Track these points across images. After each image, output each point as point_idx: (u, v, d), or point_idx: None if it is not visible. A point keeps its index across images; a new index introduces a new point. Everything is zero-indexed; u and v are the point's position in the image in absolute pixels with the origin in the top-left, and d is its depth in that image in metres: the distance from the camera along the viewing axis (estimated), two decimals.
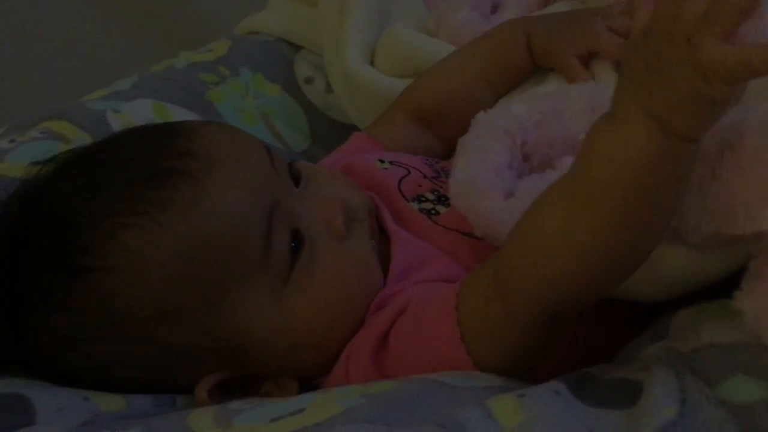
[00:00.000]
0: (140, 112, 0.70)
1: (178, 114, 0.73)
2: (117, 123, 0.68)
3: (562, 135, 0.51)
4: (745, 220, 0.39)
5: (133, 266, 0.45)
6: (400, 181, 0.58)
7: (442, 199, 0.57)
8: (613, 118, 0.37)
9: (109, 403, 0.45)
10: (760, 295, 0.37)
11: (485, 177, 0.47)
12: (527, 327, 0.43)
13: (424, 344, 0.46)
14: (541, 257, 0.40)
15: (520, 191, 0.48)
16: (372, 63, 0.76)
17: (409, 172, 0.59)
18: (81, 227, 0.46)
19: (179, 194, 0.46)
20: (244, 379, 0.49)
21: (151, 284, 0.45)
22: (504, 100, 0.61)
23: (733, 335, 0.39)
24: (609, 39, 0.57)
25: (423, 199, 0.57)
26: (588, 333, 0.50)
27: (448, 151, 0.66)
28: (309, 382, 0.50)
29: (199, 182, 0.46)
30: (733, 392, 0.36)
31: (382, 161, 0.61)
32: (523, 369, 0.45)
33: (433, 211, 0.56)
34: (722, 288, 0.45)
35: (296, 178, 0.53)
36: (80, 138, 0.65)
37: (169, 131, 0.51)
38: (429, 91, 0.66)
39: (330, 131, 0.82)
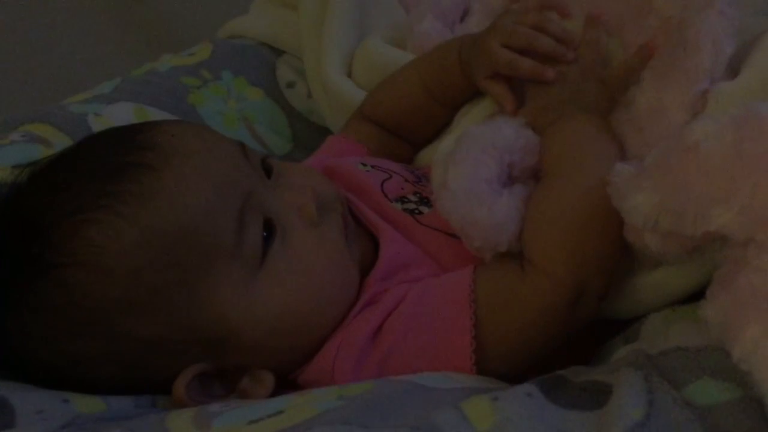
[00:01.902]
0: (121, 116, 0.71)
1: (159, 117, 0.73)
2: (98, 126, 0.68)
3: (538, 165, 0.53)
4: (695, 220, 0.40)
5: (97, 260, 0.45)
6: (382, 183, 0.59)
7: (425, 201, 0.58)
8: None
9: (89, 405, 0.45)
10: (723, 303, 0.38)
11: (479, 188, 0.48)
12: (549, 308, 0.46)
13: (425, 334, 0.47)
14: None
15: (512, 197, 0.49)
16: (350, 73, 0.77)
17: (391, 176, 0.60)
18: (46, 225, 0.46)
19: (139, 186, 0.46)
20: (221, 374, 0.49)
21: (117, 277, 0.45)
22: (472, 113, 0.62)
23: (700, 339, 0.40)
24: (502, 56, 0.57)
25: (406, 200, 0.58)
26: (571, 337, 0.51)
27: (410, 152, 0.69)
28: (286, 375, 0.50)
29: (159, 174, 0.47)
30: (699, 394, 0.37)
31: (364, 164, 0.62)
32: (522, 367, 0.47)
33: (416, 211, 0.57)
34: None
35: (268, 171, 0.54)
36: (61, 141, 0.65)
37: (134, 128, 0.52)
38: (381, 101, 0.69)
39: (311, 135, 0.83)
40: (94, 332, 0.46)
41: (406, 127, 0.67)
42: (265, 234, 0.49)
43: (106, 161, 0.48)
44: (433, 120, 0.64)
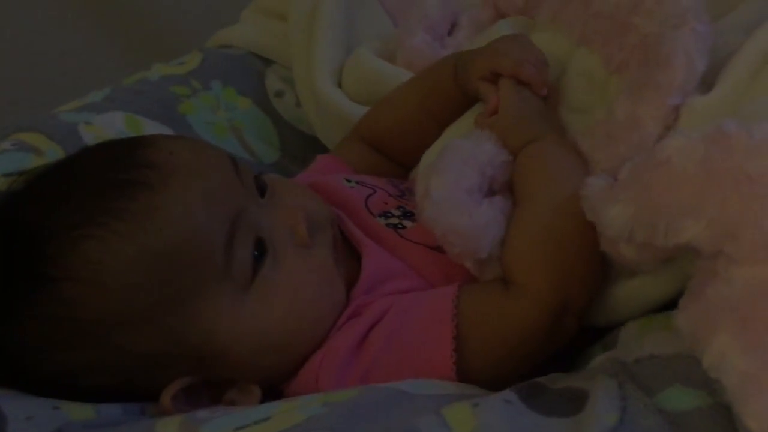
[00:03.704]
0: (112, 125, 0.71)
1: (150, 126, 0.74)
2: (89, 135, 0.69)
3: None
4: (666, 232, 0.41)
5: (94, 276, 0.46)
6: (366, 198, 0.60)
7: (408, 215, 0.58)
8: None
9: (79, 411, 0.46)
10: (693, 312, 0.39)
11: (460, 197, 0.50)
12: (532, 327, 0.47)
13: (408, 346, 0.48)
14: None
15: (492, 206, 0.50)
16: (340, 84, 0.77)
17: (375, 191, 0.61)
18: (44, 238, 0.47)
19: (136, 204, 0.47)
20: (208, 385, 0.50)
21: (112, 293, 0.46)
22: (452, 128, 0.63)
23: (672, 347, 0.41)
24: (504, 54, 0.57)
25: (389, 215, 0.58)
26: None
27: (403, 171, 0.68)
28: (273, 388, 0.51)
29: (157, 192, 0.47)
30: (670, 401, 0.38)
31: (348, 180, 0.62)
32: (503, 380, 0.47)
33: (399, 226, 0.57)
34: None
35: (262, 189, 0.54)
36: (52, 150, 0.66)
37: (131, 144, 0.52)
38: (378, 120, 0.69)
39: (300, 144, 0.83)
40: (87, 345, 0.47)
41: (402, 147, 0.67)
42: (256, 253, 0.50)
43: (104, 177, 0.49)
44: (430, 139, 0.64)
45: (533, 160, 0.53)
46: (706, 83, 0.51)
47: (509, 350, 0.49)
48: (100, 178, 0.49)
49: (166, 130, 0.75)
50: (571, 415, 0.40)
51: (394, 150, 0.68)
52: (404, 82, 0.68)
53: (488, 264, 0.51)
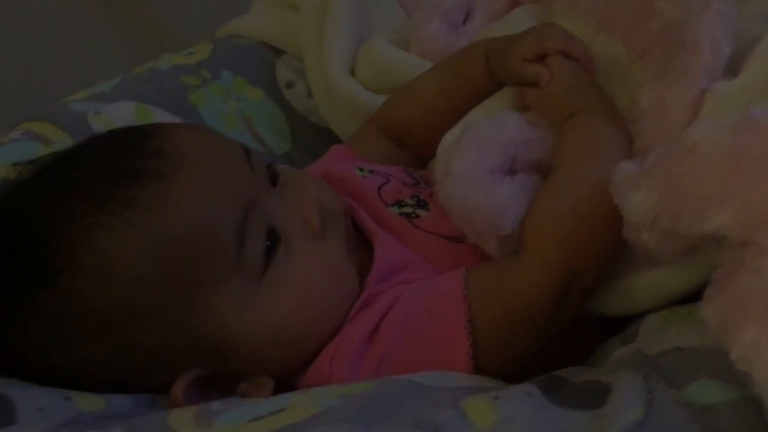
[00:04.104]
0: (122, 114, 0.70)
1: (160, 116, 0.73)
2: (98, 125, 0.68)
3: (540, 158, 0.53)
4: (691, 221, 0.40)
5: (103, 267, 0.45)
6: (379, 188, 0.59)
7: (422, 204, 0.58)
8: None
9: (90, 402, 0.45)
10: (721, 304, 0.38)
11: (481, 175, 0.49)
12: (539, 292, 0.47)
13: (422, 332, 0.48)
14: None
15: (514, 183, 0.50)
16: (353, 72, 0.77)
17: (389, 180, 0.60)
18: (51, 229, 0.46)
19: (147, 193, 0.46)
20: (220, 378, 0.49)
21: (122, 284, 0.45)
22: (476, 111, 0.62)
23: (698, 340, 0.40)
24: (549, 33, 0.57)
25: (403, 203, 0.58)
26: (564, 337, 0.52)
27: (420, 163, 0.67)
28: (285, 381, 0.50)
29: (167, 181, 0.47)
30: (697, 394, 0.37)
31: (361, 169, 0.62)
32: (515, 364, 0.47)
33: (413, 215, 0.57)
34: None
35: (274, 180, 0.54)
36: (61, 139, 0.65)
37: (142, 132, 0.51)
38: (397, 110, 0.68)
39: (311, 135, 0.83)
40: (95, 338, 0.46)
41: (423, 138, 0.65)
42: (268, 243, 0.49)
43: (114, 165, 0.48)
44: (448, 128, 0.62)
45: (576, 132, 0.52)
46: (731, 71, 0.50)
47: (518, 323, 0.48)
48: (109, 167, 0.48)
49: (176, 120, 0.74)
50: (594, 409, 0.39)
51: (414, 141, 0.67)
52: (426, 72, 0.67)
53: (510, 242, 0.50)
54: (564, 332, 0.50)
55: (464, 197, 0.49)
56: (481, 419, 0.38)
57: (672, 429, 0.35)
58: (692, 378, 0.38)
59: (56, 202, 0.47)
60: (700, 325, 0.40)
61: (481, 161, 0.50)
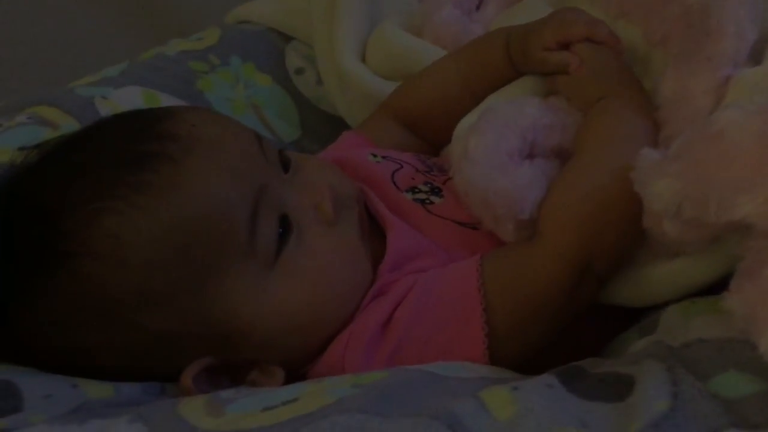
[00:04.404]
0: (129, 99, 0.70)
1: (167, 102, 0.72)
2: (105, 110, 0.68)
3: (561, 143, 0.53)
4: (718, 208, 0.39)
5: (113, 251, 0.44)
6: (393, 173, 0.58)
7: (436, 191, 0.57)
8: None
9: (98, 390, 0.44)
10: (749, 294, 0.37)
11: (500, 159, 0.48)
12: (554, 277, 0.47)
13: (436, 321, 0.47)
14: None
15: (533, 167, 0.49)
16: (364, 59, 0.76)
17: (402, 166, 0.59)
18: (61, 213, 0.45)
19: (158, 177, 0.45)
20: (230, 366, 0.48)
21: (132, 269, 0.44)
22: (494, 96, 0.61)
23: (723, 331, 0.39)
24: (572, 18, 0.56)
25: (416, 190, 0.57)
26: (578, 328, 0.51)
27: (433, 150, 0.66)
28: (296, 371, 0.49)
29: (179, 165, 0.46)
30: (725, 386, 0.36)
31: (374, 155, 0.61)
32: (529, 353, 0.47)
33: (427, 201, 0.56)
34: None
35: (286, 165, 0.53)
36: (67, 124, 0.65)
37: (152, 115, 0.51)
38: (413, 96, 0.67)
39: (320, 123, 0.82)
40: (105, 323, 0.45)
41: (438, 126, 0.64)
42: (280, 230, 0.48)
43: (124, 149, 0.47)
44: (465, 114, 0.62)
45: (598, 117, 0.51)
46: (753, 57, 0.49)
47: (533, 309, 0.47)
48: (119, 150, 0.47)
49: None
50: (617, 401, 0.38)
51: (429, 128, 0.66)
52: (442, 58, 0.66)
53: (528, 227, 0.49)
54: (577, 323, 0.50)
55: (482, 181, 0.48)
56: (501, 410, 0.37)
57: (700, 421, 0.34)
58: (719, 370, 0.37)
59: (64, 184, 0.46)
60: (725, 316, 0.39)
61: (500, 144, 0.49)
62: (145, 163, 0.46)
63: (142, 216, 0.45)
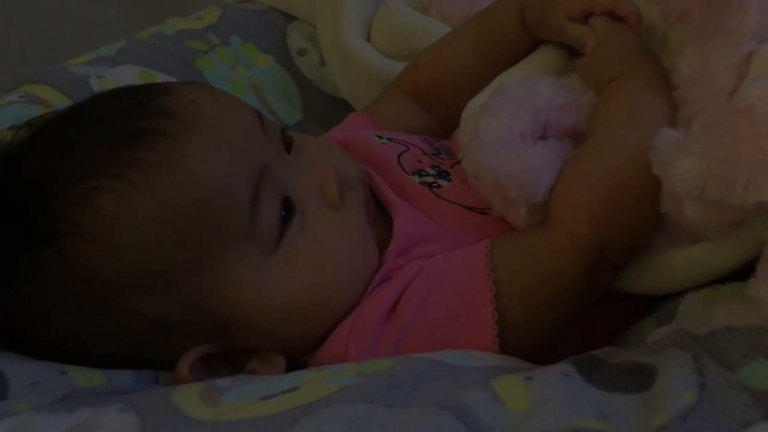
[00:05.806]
0: (125, 78, 0.68)
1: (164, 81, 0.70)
2: (100, 89, 0.65)
3: (575, 124, 0.51)
4: (746, 188, 0.38)
5: (106, 232, 0.42)
6: (399, 155, 0.56)
7: (443, 174, 0.55)
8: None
9: (88, 378, 0.42)
10: None
11: (512, 139, 0.47)
12: (566, 265, 0.45)
13: (444, 307, 0.45)
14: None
15: (546, 148, 0.48)
16: (368, 37, 0.74)
17: (408, 149, 0.58)
18: (51, 191, 0.43)
19: (155, 155, 0.43)
20: (228, 354, 0.47)
21: (127, 251, 0.42)
22: (506, 74, 0.59)
23: (750, 319, 0.37)
24: None
25: (423, 173, 0.55)
26: (590, 318, 0.50)
27: (445, 131, 0.65)
28: (296, 359, 0.48)
29: (177, 143, 0.44)
30: (754, 377, 0.34)
31: (380, 137, 0.59)
32: (540, 342, 0.45)
33: (434, 184, 0.54)
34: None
35: (288, 145, 0.51)
36: (61, 102, 0.63)
37: (149, 90, 0.48)
38: (424, 69, 0.65)
39: (323, 105, 0.80)
40: (97, 308, 0.43)
41: (449, 96, 0.62)
42: (283, 213, 0.46)
43: (119, 125, 0.45)
44: (479, 86, 0.60)
45: (615, 96, 0.49)
46: None
47: (544, 295, 0.46)
48: (114, 126, 0.45)
49: None
50: (638, 392, 0.36)
51: (442, 102, 0.64)
52: (454, 29, 0.65)
53: (540, 211, 0.48)
54: (588, 312, 0.48)
55: (494, 162, 0.46)
56: (514, 401, 0.35)
57: (729, 413, 0.32)
58: (748, 359, 0.35)
59: (55, 162, 0.44)
60: (751, 303, 0.37)
61: (512, 124, 0.47)
62: (140, 140, 0.44)
63: (137, 195, 0.42)
